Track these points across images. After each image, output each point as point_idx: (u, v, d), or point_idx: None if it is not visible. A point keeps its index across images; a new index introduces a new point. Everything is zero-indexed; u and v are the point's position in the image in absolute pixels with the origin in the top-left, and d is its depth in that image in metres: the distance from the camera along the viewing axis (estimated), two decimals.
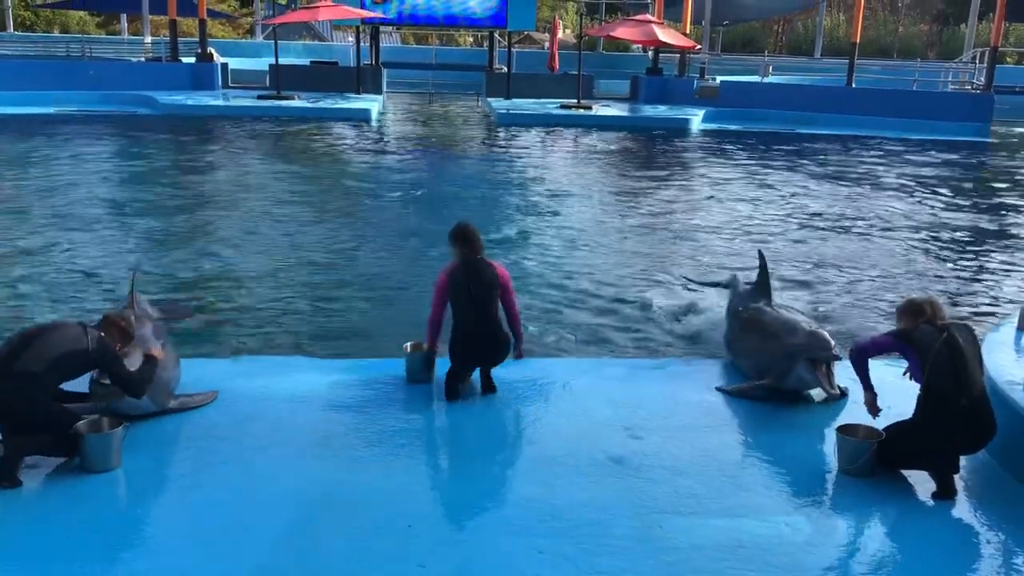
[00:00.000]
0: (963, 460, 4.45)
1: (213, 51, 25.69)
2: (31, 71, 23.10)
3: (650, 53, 28.57)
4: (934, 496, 4.33)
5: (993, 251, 10.87)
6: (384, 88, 26.30)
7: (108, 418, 4.47)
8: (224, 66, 25.34)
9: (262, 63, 26.78)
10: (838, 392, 5.38)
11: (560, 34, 30.04)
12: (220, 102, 22.50)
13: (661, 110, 24.21)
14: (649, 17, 25.99)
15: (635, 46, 34.11)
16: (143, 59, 27.27)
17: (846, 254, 10.28)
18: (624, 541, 3.87)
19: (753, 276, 6.92)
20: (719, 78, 26.05)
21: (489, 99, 25.32)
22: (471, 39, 46.99)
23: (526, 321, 6.77)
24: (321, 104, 22.62)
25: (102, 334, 4.53)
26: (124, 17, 38.91)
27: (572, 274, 8.99)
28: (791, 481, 4.45)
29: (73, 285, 8.25)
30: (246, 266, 9.05)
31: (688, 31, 27.15)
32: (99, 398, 4.63)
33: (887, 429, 4.51)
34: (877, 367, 5.45)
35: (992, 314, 8.04)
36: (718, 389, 5.58)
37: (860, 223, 12.04)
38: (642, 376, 5.86)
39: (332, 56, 31.28)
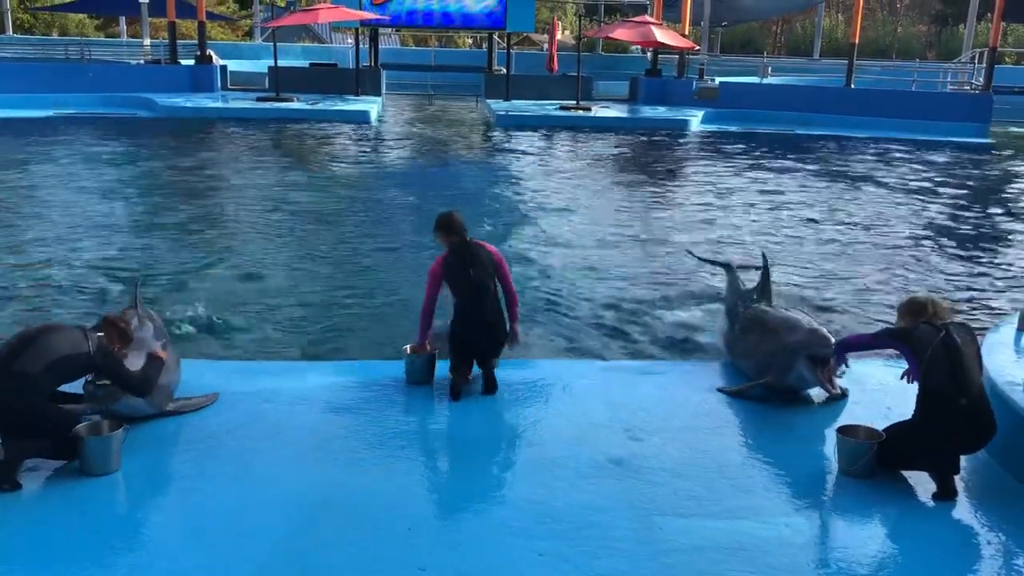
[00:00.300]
0: (963, 460, 4.44)
1: (212, 53, 25.70)
2: (30, 73, 23.11)
3: (649, 54, 28.58)
4: (934, 497, 4.32)
5: (992, 251, 10.87)
6: (383, 90, 26.31)
7: (108, 421, 4.47)
8: (223, 68, 25.34)
9: (261, 65, 26.80)
10: (839, 391, 5.38)
11: (559, 35, 30.04)
12: (219, 104, 22.50)
13: (660, 111, 24.22)
14: (648, 18, 26.00)
15: (634, 47, 34.14)
16: (142, 61, 27.28)
17: (845, 255, 10.28)
18: (624, 543, 3.87)
19: (751, 272, 6.91)
20: (718, 79, 26.05)
21: (488, 100, 25.33)
22: (470, 41, 47.01)
23: (526, 322, 6.78)
24: (320, 106, 22.62)
25: (101, 335, 4.52)
26: (123, 20, 38.91)
27: (571, 275, 8.99)
28: (791, 482, 4.45)
29: (73, 287, 8.24)
30: (245, 268, 9.05)
31: (687, 32, 27.16)
32: (95, 400, 4.63)
33: (887, 430, 4.51)
34: (877, 368, 5.48)
35: (992, 313, 8.04)
36: (719, 390, 5.58)
37: (859, 224, 12.04)
38: (642, 378, 5.85)
39: (331, 58, 31.32)
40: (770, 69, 28.38)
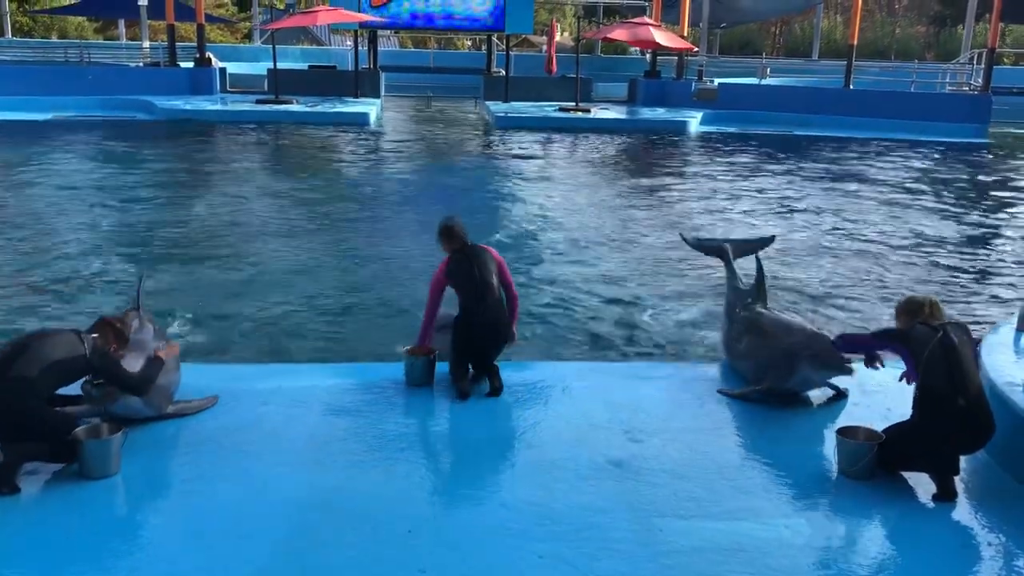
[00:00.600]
0: (963, 461, 4.44)
1: (211, 56, 25.70)
2: (29, 76, 23.12)
3: (648, 56, 28.60)
4: (934, 498, 4.32)
5: (991, 252, 10.88)
6: (382, 92, 26.32)
7: (107, 424, 4.47)
8: (222, 71, 25.34)
9: (260, 67, 26.80)
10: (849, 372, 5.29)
11: (557, 37, 30.06)
12: (218, 107, 22.50)
13: (659, 112, 24.23)
14: (646, 20, 26.03)
15: (633, 49, 34.16)
16: (141, 64, 27.28)
17: (843, 255, 10.29)
18: (624, 544, 3.86)
19: (747, 260, 6.88)
20: (717, 80, 26.10)
21: (487, 102, 25.33)
22: (469, 42, 47.04)
23: (526, 323, 6.79)
24: (319, 108, 22.63)
25: (96, 336, 4.52)
26: (122, 22, 38.92)
27: (570, 277, 8.99)
28: (791, 484, 4.44)
29: (72, 288, 8.24)
30: (244, 269, 9.05)
31: (685, 33, 27.18)
32: (93, 400, 4.62)
33: (886, 431, 4.51)
34: (881, 369, 5.44)
35: (991, 313, 8.04)
36: (720, 392, 5.57)
37: (857, 225, 12.05)
38: (641, 379, 5.85)
39: (330, 60, 31.35)
40: (769, 70, 28.41)
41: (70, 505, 4.09)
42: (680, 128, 22.31)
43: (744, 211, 12.81)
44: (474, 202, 13.34)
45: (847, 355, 5.08)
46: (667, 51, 25.85)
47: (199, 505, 4.12)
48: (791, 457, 4.76)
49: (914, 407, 4.43)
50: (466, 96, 27.93)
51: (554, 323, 7.62)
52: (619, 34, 25.31)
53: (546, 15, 42.95)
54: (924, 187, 15.38)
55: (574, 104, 23.92)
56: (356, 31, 27.11)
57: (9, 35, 34.46)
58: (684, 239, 7.30)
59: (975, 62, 27.78)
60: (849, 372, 5.23)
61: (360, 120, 21.73)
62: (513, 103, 25.09)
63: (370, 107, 23.01)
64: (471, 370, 5.51)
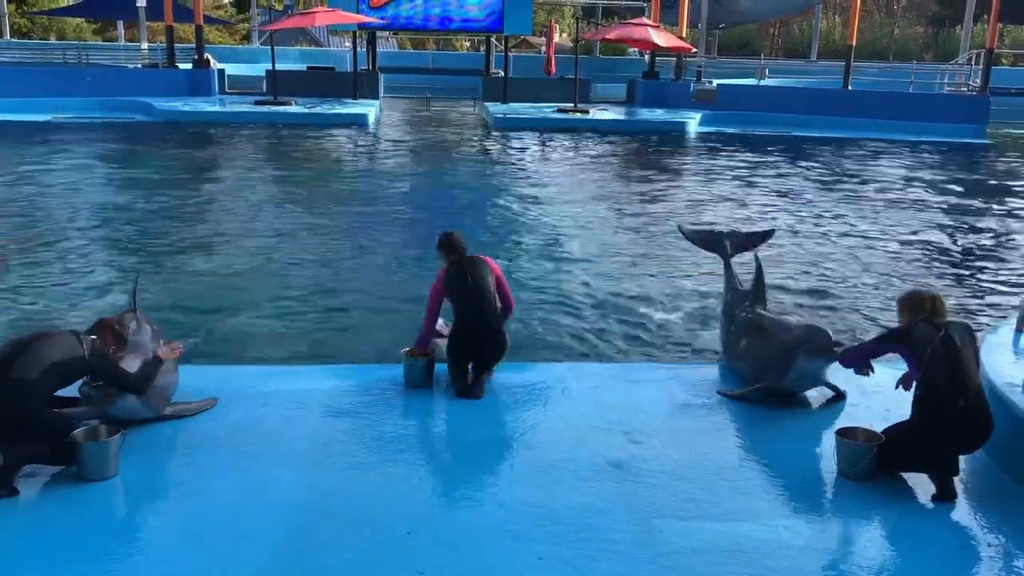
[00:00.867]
0: (962, 462, 4.43)
1: (210, 57, 25.70)
2: (28, 78, 23.10)
3: (646, 57, 28.62)
4: (934, 499, 4.32)
5: (990, 252, 10.88)
6: (381, 93, 26.33)
7: (105, 426, 4.46)
8: (221, 72, 25.34)
9: (259, 69, 26.81)
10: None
11: (556, 38, 30.08)
12: (217, 108, 22.50)
13: (658, 113, 24.24)
14: (645, 20, 26.03)
15: (631, 50, 34.18)
16: (140, 65, 27.27)
17: (841, 256, 10.29)
18: (623, 546, 3.86)
19: (746, 254, 6.87)
20: (715, 81, 26.11)
21: (486, 103, 25.35)
22: (468, 43, 47.06)
23: (525, 325, 6.78)
24: (318, 109, 22.63)
25: (94, 338, 4.51)
26: (121, 24, 38.93)
27: (569, 278, 8.99)
28: (790, 485, 4.44)
29: (71, 290, 8.23)
30: (243, 272, 9.04)
31: (684, 34, 27.19)
32: (91, 402, 4.61)
33: (886, 431, 4.50)
34: (880, 370, 5.44)
35: (990, 313, 8.04)
36: (719, 393, 5.57)
37: (856, 225, 12.05)
38: (641, 380, 5.84)
39: (329, 61, 31.35)
40: (767, 71, 28.42)
41: (68, 507, 4.08)
42: (679, 129, 22.32)
43: (743, 212, 12.80)
44: (473, 203, 13.34)
45: (858, 366, 4.95)
46: (666, 52, 25.86)
47: (198, 507, 4.11)
48: (790, 458, 4.75)
49: (914, 407, 4.42)
50: (465, 97, 27.93)
51: (553, 324, 7.61)
52: (618, 35, 25.33)
53: (545, 16, 42.98)
54: (922, 188, 15.39)
55: (573, 105, 23.94)
56: (355, 32, 27.12)
57: (7, 36, 34.45)
58: (682, 231, 7.29)
59: (973, 63, 27.81)
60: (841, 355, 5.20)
61: (359, 121, 21.73)
62: (512, 104, 25.11)
63: (369, 108, 23.01)
64: (470, 370, 5.52)
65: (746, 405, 5.40)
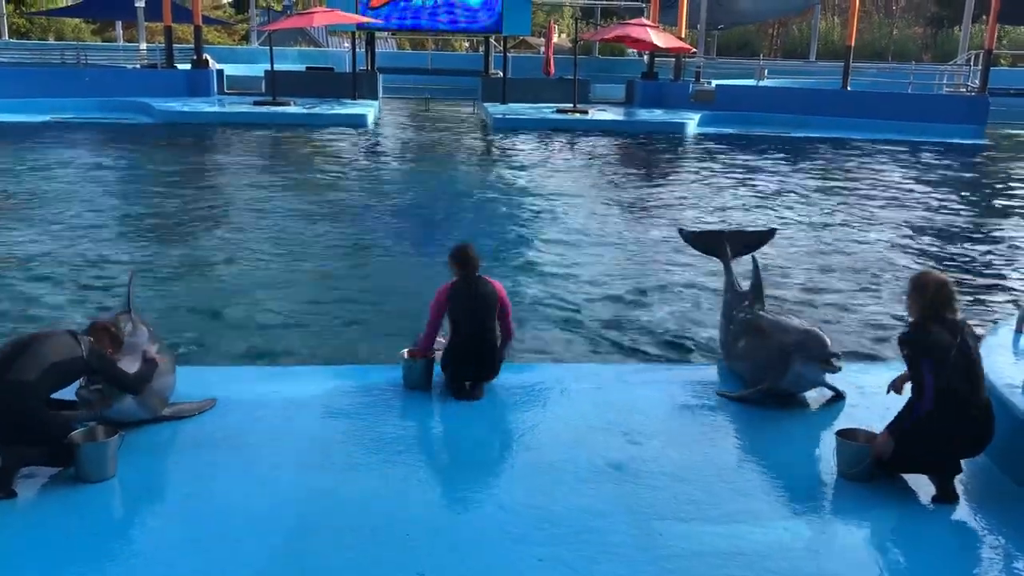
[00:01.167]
0: (962, 463, 4.42)
1: (209, 57, 25.69)
2: (26, 78, 23.09)
3: (645, 57, 28.62)
4: (934, 500, 4.31)
5: (990, 253, 10.88)
6: (380, 93, 26.32)
7: (103, 427, 4.45)
8: (220, 72, 25.34)
9: (258, 69, 26.79)
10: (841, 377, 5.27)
11: (555, 39, 30.08)
12: (216, 109, 22.49)
13: (657, 114, 24.25)
14: (644, 21, 26.04)
15: (630, 50, 34.18)
16: (138, 66, 27.26)
17: (841, 257, 10.28)
18: (623, 548, 3.85)
19: (745, 252, 6.86)
20: (714, 82, 26.11)
21: (485, 104, 25.34)
22: (467, 44, 47.05)
23: (528, 325, 6.78)
24: (317, 110, 22.63)
25: (91, 339, 4.50)
26: (119, 24, 38.90)
27: (569, 279, 8.98)
28: (790, 486, 4.43)
29: (69, 290, 8.22)
30: (242, 273, 9.03)
31: (683, 35, 27.19)
32: (89, 405, 4.59)
33: (890, 432, 4.44)
34: (880, 371, 5.45)
35: (990, 314, 8.04)
36: (719, 394, 5.56)
37: (855, 226, 12.05)
38: (640, 381, 5.84)
39: (328, 62, 31.34)
40: (766, 71, 28.45)
41: (67, 508, 4.07)
42: (678, 129, 22.32)
43: (742, 213, 12.80)
44: (472, 204, 13.33)
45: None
46: (665, 53, 25.87)
47: (196, 508, 4.10)
48: (790, 459, 4.75)
49: (914, 409, 4.36)
50: (464, 98, 27.92)
51: (551, 325, 7.60)
52: (616, 35, 25.33)
53: (544, 17, 42.99)
54: (921, 188, 15.38)
55: (572, 106, 23.94)
56: (354, 33, 27.11)
57: (6, 37, 34.43)
58: (682, 235, 7.28)
59: (972, 63, 27.83)
60: (837, 369, 5.21)
61: (358, 122, 21.72)
62: (511, 104, 25.11)
63: (368, 109, 23.01)
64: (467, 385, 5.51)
65: (745, 406, 5.39)
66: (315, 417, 5.07)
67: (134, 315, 5.44)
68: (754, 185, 15.19)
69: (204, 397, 5.20)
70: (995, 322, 6.49)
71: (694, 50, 28.07)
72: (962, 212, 13.50)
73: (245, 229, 10.90)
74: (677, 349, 7.15)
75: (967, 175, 17.57)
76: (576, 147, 19.70)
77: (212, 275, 8.95)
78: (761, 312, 6.00)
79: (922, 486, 4.40)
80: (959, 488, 4.36)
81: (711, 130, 22.38)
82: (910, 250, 10.81)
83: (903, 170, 17.48)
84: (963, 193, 15.21)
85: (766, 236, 7.15)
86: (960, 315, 4.42)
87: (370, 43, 28.84)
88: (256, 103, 23.06)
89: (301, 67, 28.69)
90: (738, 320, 6.12)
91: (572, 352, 7.04)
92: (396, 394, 5.44)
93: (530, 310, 7.80)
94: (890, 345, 7.31)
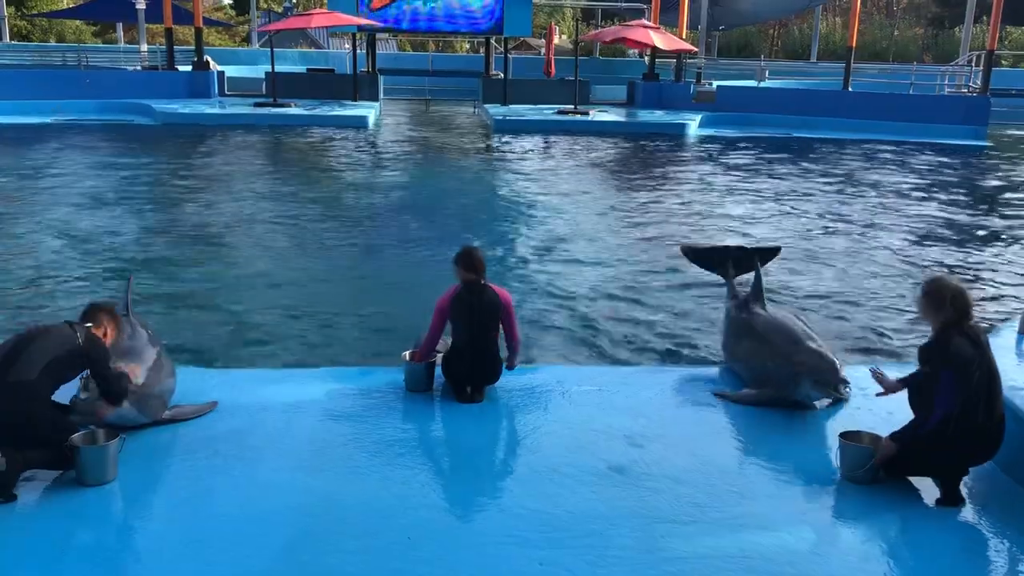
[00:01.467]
0: None
1: (209, 59, 25.70)
2: (27, 80, 23.11)
3: (646, 58, 28.62)
4: (938, 503, 4.29)
5: (990, 254, 10.86)
6: (381, 95, 26.33)
7: (103, 430, 4.42)
8: (220, 74, 25.36)
9: (258, 71, 26.83)
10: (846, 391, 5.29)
11: (556, 40, 30.09)
12: (217, 110, 22.50)
13: (658, 115, 24.24)
14: (645, 22, 26.05)
15: (631, 51, 34.19)
16: (139, 68, 27.28)
17: (841, 258, 10.26)
18: (626, 551, 3.83)
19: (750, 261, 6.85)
20: (715, 83, 26.12)
21: (486, 105, 25.35)
22: (467, 45, 47.07)
23: (529, 327, 6.75)
24: (318, 111, 22.63)
25: (89, 325, 4.49)
26: (120, 26, 38.93)
27: (570, 281, 8.95)
28: (794, 489, 4.41)
29: (68, 291, 8.20)
30: (242, 275, 9.01)
31: (684, 36, 27.20)
32: (84, 416, 4.53)
33: (900, 438, 4.39)
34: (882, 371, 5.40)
35: (989, 312, 8.02)
36: (718, 395, 5.54)
37: (855, 227, 12.02)
38: (642, 383, 5.82)
39: (328, 63, 31.36)
40: (767, 72, 28.43)
41: (67, 512, 4.05)
42: (679, 131, 22.31)
43: (743, 214, 12.78)
44: (473, 205, 13.32)
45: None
46: (666, 53, 25.87)
47: (197, 511, 4.08)
48: (793, 462, 4.72)
49: (925, 416, 4.32)
50: (465, 99, 27.92)
51: (553, 327, 7.58)
52: (617, 36, 25.32)
53: (545, 18, 43.00)
54: (923, 189, 15.36)
55: (573, 107, 23.93)
56: (355, 34, 27.13)
57: (7, 39, 34.46)
58: (684, 253, 7.25)
59: (973, 64, 27.82)
60: (844, 397, 5.29)
61: (358, 123, 21.73)
62: (512, 106, 25.11)
63: (368, 110, 23.01)
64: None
65: (748, 408, 5.37)
66: (316, 419, 5.06)
67: (133, 318, 5.42)
68: (755, 186, 15.17)
69: (204, 400, 5.18)
70: (996, 324, 6.46)
71: (695, 51, 28.07)
72: (963, 213, 13.47)
73: (244, 230, 10.89)
74: (679, 351, 7.12)
75: (969, 176, 17.54)
76: (577, 149, 19.68)
77: (212, 276, 8.92)
78: (762, 311, 5.97)
79: (926, 488, 4.38)
80: (964, 491, 4.34)
81: (712, 131, 22.37)
82: (911, 251, 10.79)
83: (904, 171, 17.45)
84: (964, 194, 15.19)
85: (770, 254, 7.04)
86: (975, 320, 4.40)
87: (371, 44, 28.87)
88: (257, 105, 23.06)
89: (302, 69, 28.71)
90: (740, 320, 6.09)
91: (573, 354, 7.02)
92: (397, 396, 5.42)
93: (531, 312, 7.78)
94: (890, 345, 7.30)
